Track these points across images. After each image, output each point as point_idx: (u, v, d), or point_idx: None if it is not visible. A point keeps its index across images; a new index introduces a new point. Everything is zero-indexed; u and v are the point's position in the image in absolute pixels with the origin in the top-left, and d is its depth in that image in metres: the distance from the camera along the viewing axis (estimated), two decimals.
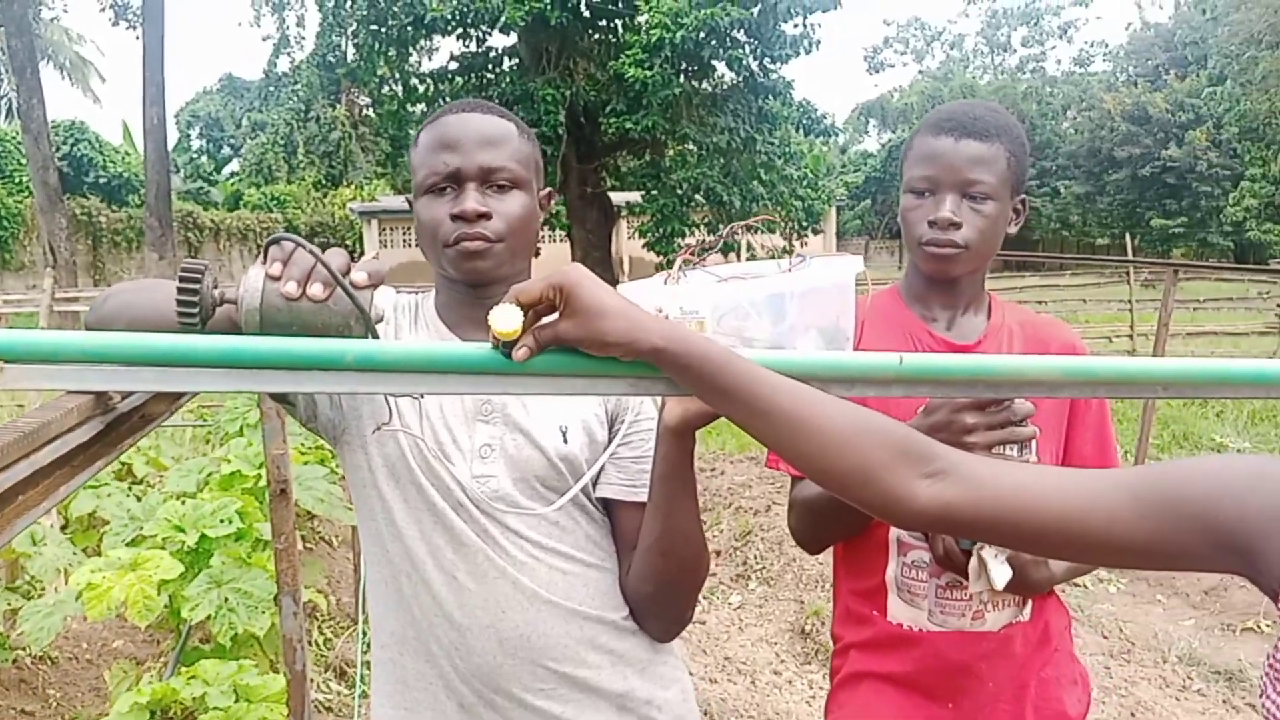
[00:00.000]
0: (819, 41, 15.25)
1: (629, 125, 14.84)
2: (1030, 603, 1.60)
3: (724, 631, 4.57)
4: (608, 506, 1.46)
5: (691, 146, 15.89)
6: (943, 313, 1.63)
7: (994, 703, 1.59)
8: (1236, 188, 31.90)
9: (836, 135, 25.54)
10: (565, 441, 1.40)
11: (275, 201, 35.60)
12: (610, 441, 1.45)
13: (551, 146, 15.05)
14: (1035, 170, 41.59)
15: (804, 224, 18.94)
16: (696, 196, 16.16)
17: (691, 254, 1.34)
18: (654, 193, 16.41)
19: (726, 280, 1.25)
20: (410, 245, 31.02)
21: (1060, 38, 52.81)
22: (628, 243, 20.07)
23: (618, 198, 18.84)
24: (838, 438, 0.91)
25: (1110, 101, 37.64)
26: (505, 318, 0.90)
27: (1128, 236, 18.74)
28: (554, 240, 19.99)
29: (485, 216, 1.34)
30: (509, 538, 1.37)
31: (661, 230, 15.87)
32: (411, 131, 17.73)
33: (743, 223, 1.56)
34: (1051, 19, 51.65)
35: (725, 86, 16.26)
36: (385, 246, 31.29)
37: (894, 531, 1.59)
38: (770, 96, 16.21)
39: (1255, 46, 27.76)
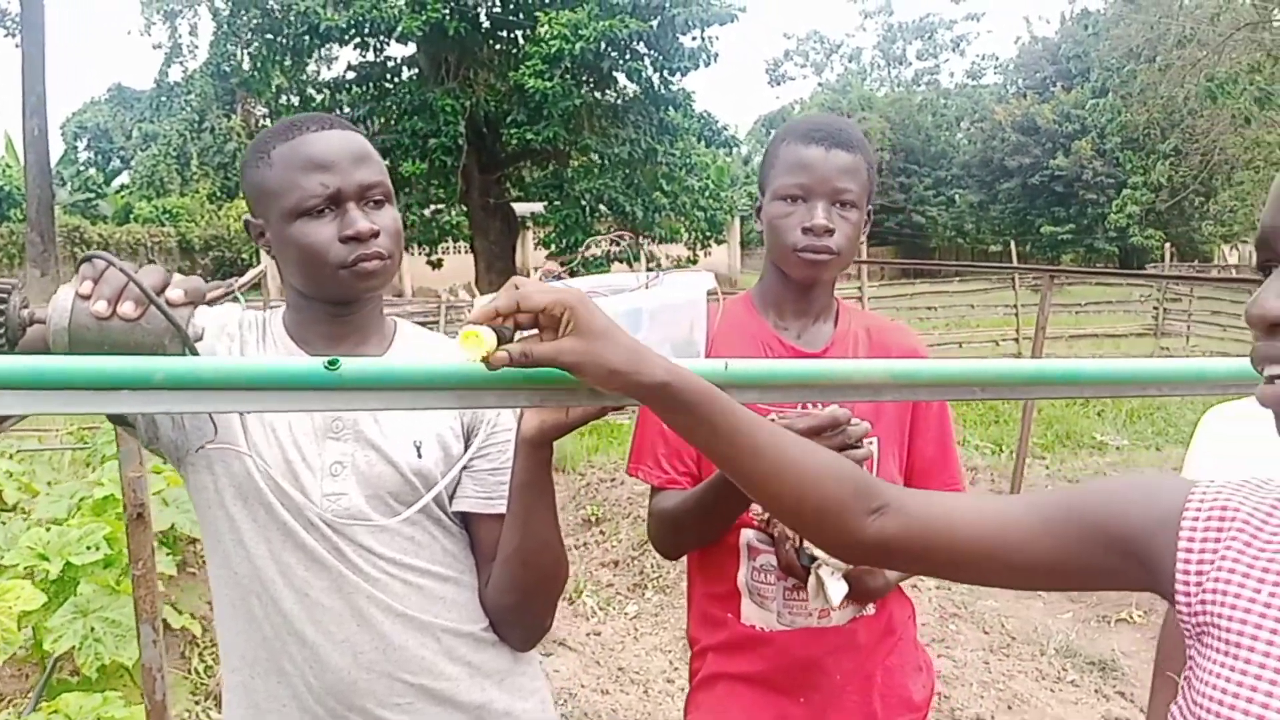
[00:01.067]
0: (717, 55, 15.49)
1: (530, 136, 14.85)
2: (875, 602, 1.65)
3: (619, 642, 4.57)
4: (466, 520, 1.45)
5: (594, 157, 15.97)
6: (795, 321, 1.66)
7: (842, 693, 1.64)
8: (1119, 195, 33.30)
9: (738, 146, 25.91)
10: (419, 456, 1.39)
11: (168, 215, 34.45)
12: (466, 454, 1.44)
13: (452, 157, 14.95)
14: (931, 180, 42.83)
15: (707, 234, 19.15)
16: (600, 207, 16.23)
17: (549, 267, 1.35)
18: (557, 203, 16.45)
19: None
20: None
21: (953, 51, 54.53)
22: (533, 253, 19.99)
23: (522, 208, 18.79)
24: (809, 478, 0.94)
25: (1001, 113, 38.96)
26: (482, 339, 0.90)
27: (1012, 244, 19.45)
28: (457, 252, 19.82)
29: (376, 234, 1.33)
30: (362, 555, 1.36)
31: (565, 241, 15.90)
32: None
33: (604, 236, 1.57)
34: (945, 33, 53.34)
35: (626, 98, 16.39)
36: None
37: (744, 537, 1.62)
38: (671, 108, 16.39)
39: (1134, 60, 29.00)
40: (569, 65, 14.30)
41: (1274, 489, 0.83)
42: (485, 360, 0.90)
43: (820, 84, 56.34)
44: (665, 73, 15.77)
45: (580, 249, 16.04)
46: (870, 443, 1.44)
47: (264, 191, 1.34)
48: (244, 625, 1.37)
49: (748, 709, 1.66)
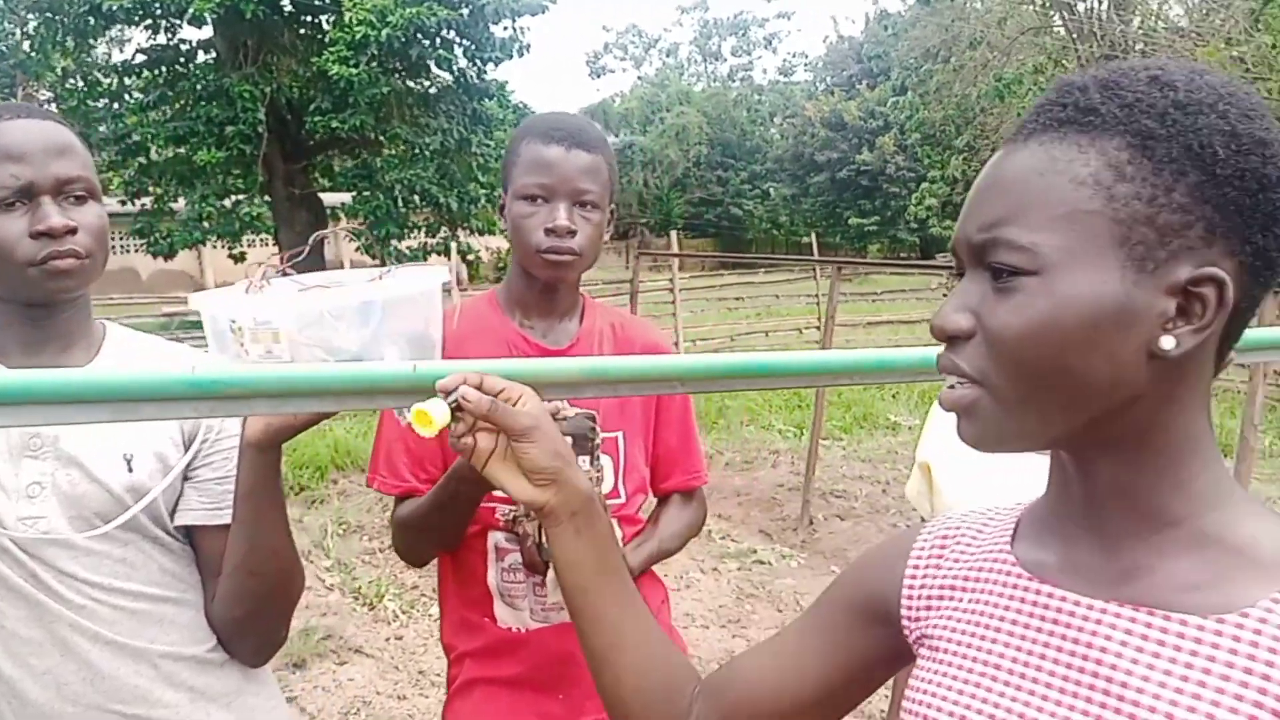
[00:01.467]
0: (530, 45, 15.38)
1: (336, 124, 14.33)
2: None
3: (421, 644, 4.49)
4: (191, 534, 1.38)
5: (405, 147, 15.58)
6: (540, 320, 1.66)
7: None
8: (919, 188, 35.19)
9: None
10: (130, 470, 1.31)
11: None
12: (189, 464, 1.37)
13: (251, 145, 14.28)
14: (747, 173, 44.09)
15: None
16: (413, 198, 15.86)
17: (276, 259, 1.29)
18: (366, 193, 15.96)
19: (309, 289, 1.21)
20: (117, 252, 28.44)
21: (766, 48, 56.26)
22: (346, 245, 19.35)
23: (331, 199, 18.15)
24: (637, 664, 0.95)
25: (811, 109, 40.44)
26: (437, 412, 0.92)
27: (819, 236, 20.29)
28: (261, 244, 18.97)
29: (72, 231, 1.24)
30: (64, 581, 1.26)
31: (376, 233, 15.45)
32: (102, 130, 16.49)
33: (342, 227, 1.51)
34: (758, 30, 54.92)
35: (439, 87, 16.06)
36: None
37: (491, 538, 1.62)
38: (485, 98, 16.18)
39: (930, 60, 30.66)
40: (375, 52, 13.87)
41: (994, 511, 0.89)
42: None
43: (640, 78, 56.99)
44: (478, 62, 15.55)
45: (393, 240, 15.69)
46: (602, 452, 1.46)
47: None
48: None
49: (506, 712, 1.65)
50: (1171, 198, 0.67)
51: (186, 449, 1.37)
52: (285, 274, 1.24)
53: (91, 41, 16.43)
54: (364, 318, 1.13)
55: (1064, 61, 27.09)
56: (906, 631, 0.88)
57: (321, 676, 4.15)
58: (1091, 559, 0.75)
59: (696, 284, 12.48)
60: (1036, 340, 0.68)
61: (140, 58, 16.29)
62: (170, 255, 16.46)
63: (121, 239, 24.47)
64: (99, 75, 16.48)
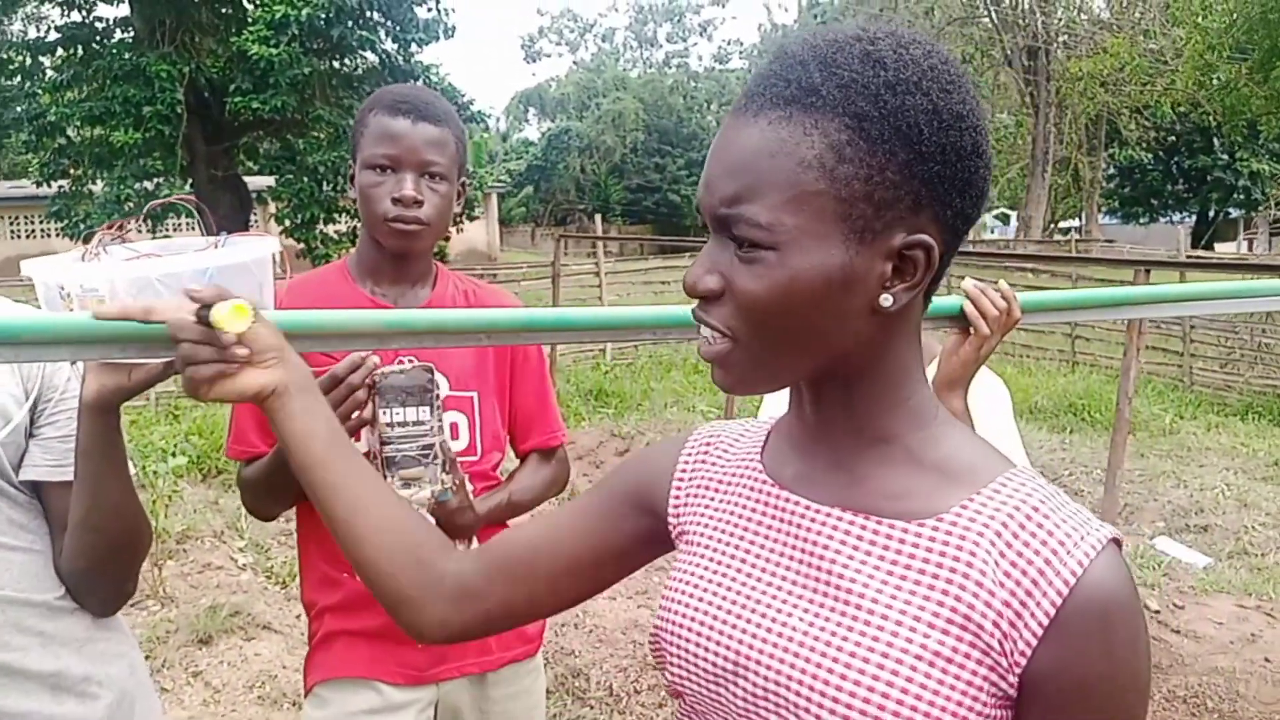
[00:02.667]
0: (454, 27, 15.30)
1: (257, 105, 14.10)
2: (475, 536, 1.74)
3: None
4: (37, 489, 1.43)
5: (329, 129, 15.37)
6: (391, 287, 1.71)
7: None
8: None
9: (483, 122, 25.69)
10: None
11: None
12: (33, 422, 1.41)
13: (170, 126, 14.00)
14: (684, 160, 44.21)
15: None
16: (339, 180, 15.69)
17: (113, 229, 1.32)
18: (290, 177, 15.73)
19: (140, 257, 1.24)
20: (20, 237, 27.58)
21: (701, 35, 56.52)
22: (272, 228, 19.08)
23: (257, 182, 17.86)
24: (389, 522, 0.98)
25: None
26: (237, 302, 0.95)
27: None
28: (188, 227, 18.62)
29: None
30: None
31: (301, 216, 15.24)
32: (19, 109, 16.01)
33: (159, 202, 1.53)
34: (693, 16, 55.05)
35: (363, 68, 15.88)
36: None
37: None
38: (411, 80, 16.05)
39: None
40: (296, 32, 13.67)
41: (751, 423, 1.00)
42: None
43: (575, 63, 56.78)
44: (403, 44, 15.41)
45: (319, 224, 15.48)
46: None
47: None
48: None
49: (368, 660, 1.70)
50: (885, 176, 0.75)
51: (30, 405, 1.41)
52: (118, 242, 1.27)
53: (4, 18, 15.94)
54: (194, 284, 1.13)
55: (990, 51, 27.71)
56: (671, 526, 0.97)
57: (228, 652, 4.16)
58: (822, 470, 0.86)
59: (622, 268, 12.57)
60: (776, 304, 0.77)
61: (55, 35, 15.86)
62: (88, 239, 16.00)
63: (40, 222, 23.77)
64: (11, 54, 15.99)
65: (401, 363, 1.56)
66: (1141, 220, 35.81)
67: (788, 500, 0.87)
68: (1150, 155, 31.15)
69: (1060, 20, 25.74)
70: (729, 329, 0.80)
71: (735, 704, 0.84)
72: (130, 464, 1.41)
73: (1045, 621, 0.73)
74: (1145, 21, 24.28)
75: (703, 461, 0.98)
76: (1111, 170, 33.74)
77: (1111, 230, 35.25)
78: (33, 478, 1.41)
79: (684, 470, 0.98)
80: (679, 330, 1.21)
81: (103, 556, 1.40)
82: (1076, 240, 24.33)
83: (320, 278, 1.74)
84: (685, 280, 0.82)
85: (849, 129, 0.74)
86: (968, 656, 0.75)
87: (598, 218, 14.26)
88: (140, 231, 1.32)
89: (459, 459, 1.61)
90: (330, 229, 16.32)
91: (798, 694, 0.79)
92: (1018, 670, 0.74)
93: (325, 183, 15.58)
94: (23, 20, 17.99)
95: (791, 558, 0.85)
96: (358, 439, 1.63)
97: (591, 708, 3.72)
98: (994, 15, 26.44)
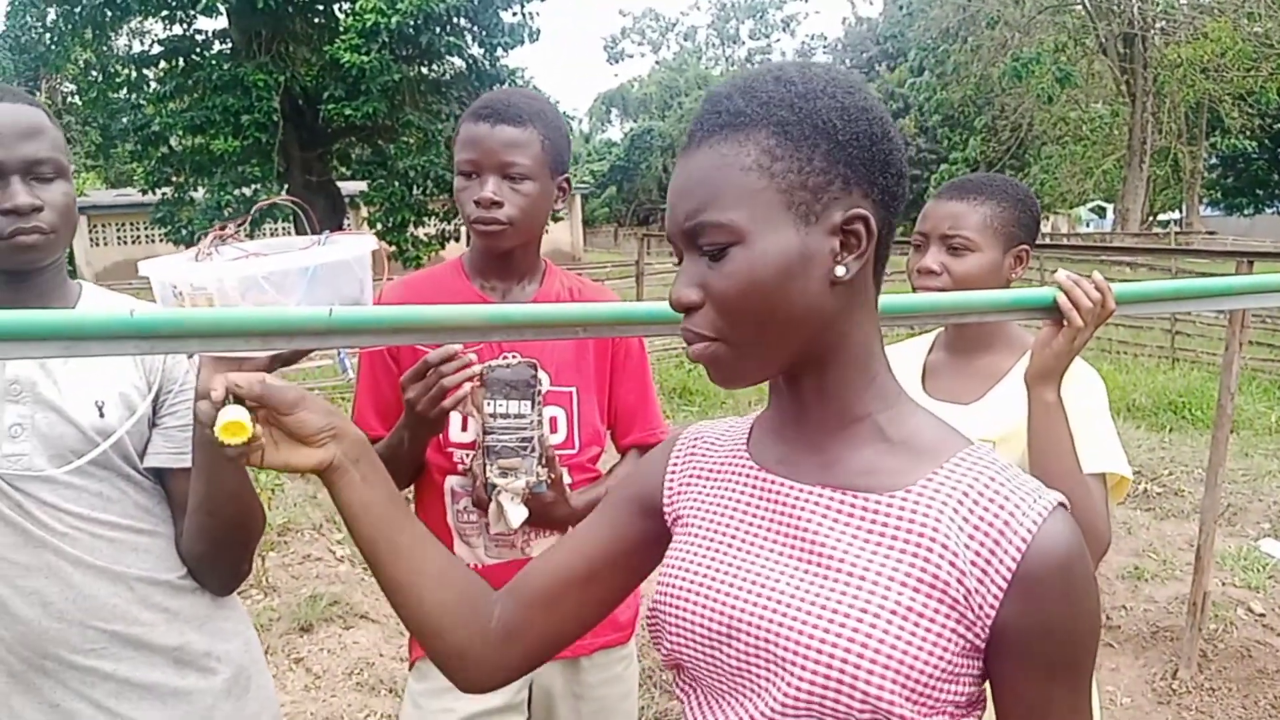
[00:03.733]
0: (539, 30, 15.50)
1: (349, 111, 14.51)
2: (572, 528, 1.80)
3: None
4: (159, 475, 1.52)
5: (418, 134, 15.72)
6: (500, 283, 1.78)
7: None
8: (939, 170, 35.03)
9: (572, 123, 25.99)
10: (102, 416, 1.44)
11: None
12: (155, 413, 1.51)
13: (267, 134, 14.49)
14: None
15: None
16: (428, 184, 16.02)
17: (222, 230, 1.40)
18: (381, 181, 16.12)
19: (247, 257, 1.32)
20: (126, 243, 28.76)
21: (784, 30, 55.98)
22: (365, 232, 19.51)
23: (350, 187, 18.34)
24: (442, 581, 1.03)
25: None
26: (235, 413, 0.94)
27: None
28: (284, 232, 19.18)
29: (38, 209, 1.37)
30: (47, 511, 1.40)
31: (392, 220, 15.64)
32: (124, 121, 16.75)
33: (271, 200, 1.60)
34: (775, 12, 54.70)
35: (451, 73, 16.20)
36: (96, 245, 28.71)
37: (448, 482, 1.75)
38: (497, 84, 16.31)
39: (948, 40, 30.44)
40: (387, 39, 14.03)
41: (734, 421, 1.09)
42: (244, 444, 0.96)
43: (658, 62, 56.91)
44: (489, 48, 15.67)
45: (409, 227, 15.82)
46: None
47: None
48: None
49: None
50: (814, 165, 0.86)
51: (152, 396, 1.50)
52: (226, 243, 1.35)
53: (110, 33, 16.67)
54: (298, 283, 1.20)
55: (1083, 40, 26.93)
56: (666, 516, 1.05)
57: (328, 640, 4.31)
58: (801, 453, 0.96)
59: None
60: (750, 293, 0.86)
61: (157, 49, 16.53)
62: (191, 243, 16.62)
63: (145, 228, 24.74)
64: (118, 67, 16.73)
65: (507, 357, 1.63)
66: (1246, 212, 34.39)
67: (772, 481, 0.96)
68: (1255, 144, 29.87)
69: (1158, 5, 24.86)
70: (715, 331, 0.89)
71: (729, 664, 0.92)
72: None
73: (1009, 576, 0.84)
74: (1249, 4, 23.31)
75: (692, 454, 1.07)
76: (1213, 160, 32.47)
77: (1214, 222, 33.98)
78: (156, 464, 1.50)
79: (674, 465, 1.07)
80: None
81: (220, 539, 1.49)
82: (1176, 233, 23.49)
83: (434, 274, 1.83)
84: (670, 298, 0.92)
85: (775, 135, 0.86)
86: (936, 612, 0.85)
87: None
88: (244, 234, 1.39)
89: (557, 453, 1.67)
90: (420, 232, 16.68)
91: (785, 649, 0.87)
92: (987, 622, 0.85)
93: (415, 186, 15.94)
94: (128, 35, 18.79)
95: (778, 532, 0.94)
96: (462, 423, 1.70)
97: (680, 702, 3.75)
98: (1088, 2, 25.70)
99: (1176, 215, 32.19)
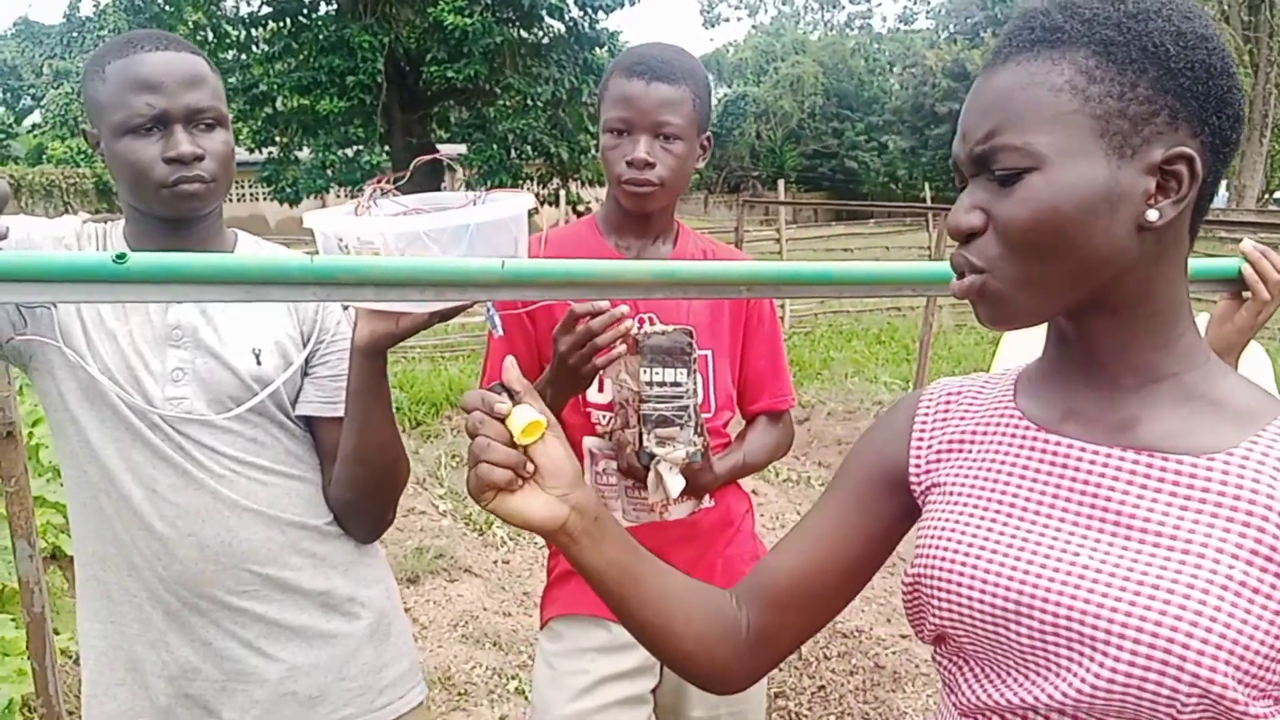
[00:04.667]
0: None
1: (451, 74, 14.66)
2: (712, 494, 1.78)
3: (527, 569, 4.71)
4: (310, 423, 1.55)
5: (517, 97, 15.80)
6: (635, 242, 1.76)
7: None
8: None
9: None
10: (258, 363, 1.47)
11: (83, 155, 33.26)
12: (308, 361, 1.53)
13: (371, 95, 14.72)
14: (864, 125, 43.07)
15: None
16: (525, 148, 16.10)
17: (383, 182, 1.41)
18: (480, 144, 16.27)
19: (408, 212, 1.32)
20: (232, 200, 29.64)
21: None
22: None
23: (449, 150, 18.55)
24: (692, 614, 0.98)
25: (932, 58, 39.28)
26: (531, 413, 0.88)
27: (929, 190, 19.83)
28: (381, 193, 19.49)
29: (200, 158, 1.39)
30: (206, 454, 1.44)
31: (490, 183, 15.78)
32: (232, 80, 17.23)
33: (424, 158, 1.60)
34: None
35: (551, 36, 16.20)
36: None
37: (586, 443, 1.74)
38: (596, 47, 16.26)
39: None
40: (489, 2, 14.10)
41: (989, 376, 0.99)
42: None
43: (754, 26, 56.10)
44: (589, 11, 15.63)
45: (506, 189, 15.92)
46: (630, 324, 1.52)
47: (97, 105, 1.40)
48: (96, 523, 1.45)
49: (596, 599, 1.78)
50: (1137, 92, 0.77)
51: (305, 345, 1.53)
52: (386, 195, 1.36)
53: None
54: (457, 239, 1.21)
55: (1205, 5, 25.71)
56: (914, 486, 0.96)
57: (434, 592, 4.40)
58: (1091, 410, 0.86)
59: (803, 235, 12.41)
60: (1043, 225, 0.78)
61: (265, 9, 16.89)
62: (295, 202, 17.13)
63: (250, 186, 25.45)
64: (227, 27, 17.14)
65: (652, 322, 1.62)
66: None
67: (1057, 443, 0.86)
68: None
69: None
70: (987, 262, 0.81)
71: (1019, 641, 0.83)
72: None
73: None
74: None
75: (943, 416, 0.97)
76: None
77: None
78: (307, 413, 1.53)
79: (923, 430, 0.98)
80: (939, 287, 1.19)
81: (368, 488, 1.51)
82: None
83: (572, 231, 1.81)
84: (948, 223, 0.84)
85: (1096, 54, 0.77)
86: (1274, 586, 0.76)
87: (780, 184, 14.12)
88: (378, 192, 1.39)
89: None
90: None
91: (1095, 626, 0.78)
92: None
93: (513, 150, 16.04)
94: None
95: (1068, 499, 0.84)
96: (602, 386, 1.70)
97: (780, 670, 3.74)
98: None
99: None
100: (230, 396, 1.45)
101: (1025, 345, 1.80)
